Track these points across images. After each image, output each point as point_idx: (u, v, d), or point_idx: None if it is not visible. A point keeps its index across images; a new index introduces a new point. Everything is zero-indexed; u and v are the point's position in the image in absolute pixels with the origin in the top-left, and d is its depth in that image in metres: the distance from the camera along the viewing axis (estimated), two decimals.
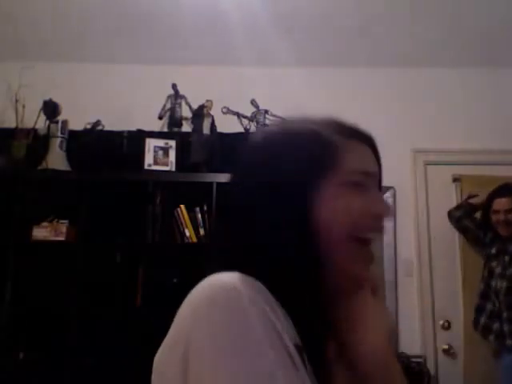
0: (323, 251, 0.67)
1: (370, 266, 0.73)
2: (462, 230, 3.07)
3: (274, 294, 0.61)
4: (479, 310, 2.81)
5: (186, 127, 3.26)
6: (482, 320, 2.78)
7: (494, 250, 2.88)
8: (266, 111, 3.22)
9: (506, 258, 2.80)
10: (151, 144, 3.07)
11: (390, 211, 0.72)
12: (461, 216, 3.03)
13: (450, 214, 3.10)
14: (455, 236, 3.19)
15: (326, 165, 0.68)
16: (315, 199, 0.67)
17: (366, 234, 0.71)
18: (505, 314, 2.69)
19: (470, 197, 3.07)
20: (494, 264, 2.84)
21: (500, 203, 2.86)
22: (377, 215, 0.71)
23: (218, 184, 2.89)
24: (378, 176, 0.74)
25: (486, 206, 2.93)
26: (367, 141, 0.74)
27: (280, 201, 0.67)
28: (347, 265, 0.70)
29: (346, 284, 0.71)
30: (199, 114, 3.14)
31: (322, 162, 0.68)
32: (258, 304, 0.57)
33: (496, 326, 2.72)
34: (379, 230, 0.73)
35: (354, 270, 0.71)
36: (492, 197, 2.91)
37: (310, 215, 0.67)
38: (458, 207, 3.07)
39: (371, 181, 0.72)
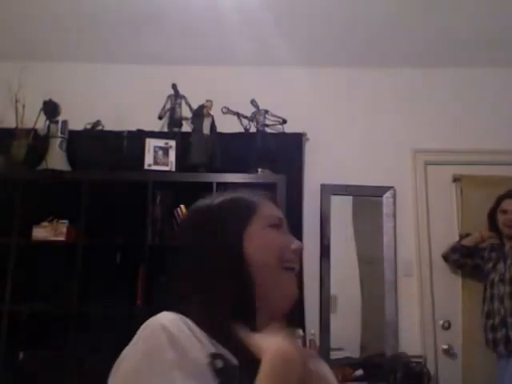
0: (257, 279, 0.86)
1: (295, 291, 0.91)
2: (461, 267, 3.10)
3: (199, 326, 0.80)
4: (486, 329, 2.80)
5: (186, 127, 3.26)
6: (491, 336, 2.78)
7: (491, 264, 2.90)
8: (266, 111, 3.22)
9: (506, 264, 2.81)
10: (151, 144, 3.08)
11: (301, 246, 0.93)
12: (458, 259, 3.06)
13: (446, 257, 3.11)
14: (455, 236, 3.19)
15: (250, 214, 0.92)
16: (246, 240, 0.88)
17: (289, 264, 0.91)
18: (510, 320, 2.69)
19: (462, 237, 3.09)
20: (492, 276, 2.86)
21: (509, 203, 2.92)
22: (294, 250, 0.92)
23: (218, 184, 2.89)
24: (285, 222, 0.95)
25: (494, 206, 2.97)
26: (271, 199, 0.98)
27: (220, 247, 0.89)
28: (279, 287, 0.89)
29: (271, 311, 0.88)
30: (199, 114, 3.14)
31: (247, 213, 0.92)
32: (175, 338, 0.74)
33: (501, 334, 2.72)
34: (296, 261, 0.93)
35: (284, 291, 0.89)
36: (501, 198, 2.96)
37: (243, 253, 0.87)
38: (453, 250, 3.07)
39: (282, 224, 0.94)
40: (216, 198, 0.96)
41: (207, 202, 0.96)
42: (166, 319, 0.78)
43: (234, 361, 0.77)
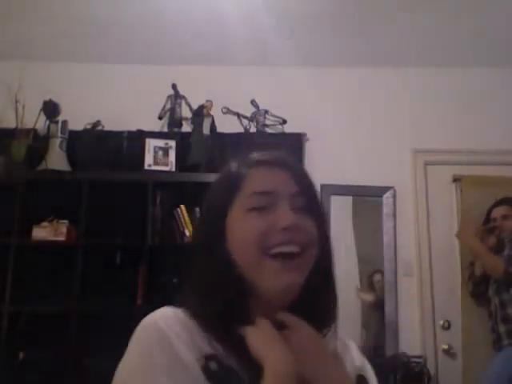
0: (241, 269, 0.78)
1: (291, 277, 0.78)
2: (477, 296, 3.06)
3: (196, 319, 0.76)
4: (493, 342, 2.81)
5: (186, 127, 3.26)
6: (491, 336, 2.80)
7: (492, 283, 2.89)
8: (266, 111, 3.22)
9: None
10: (151, 144, 3.07)
11: (294, 223, 0.78)
12: (472, 290, 3.04)
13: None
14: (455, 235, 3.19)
15: (231, 194, 0.81)
16: (228, 224, 0.80)
17: (278, 249, 0.77)
18: (499, 315, 2.73)
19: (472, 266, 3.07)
20: (490, 293, 2.87)
21: (496, 211, 2.99)
22: (281, 229, 0.78)
23: None
24: (284, 189, 0.81)
25: (487, 217, 3.03)
26: (272, 164, 0.86)
27: (203, 230, 0.84)
28: (262, 279, 0.78)
29: (267, 303, 0.79)
30: (199, 114, 3.14)
31: (229, 191, 0.81)
32: (165, 335, 0.72)
33: (493, 335, 2.76)
34: (290, 242, 0.78)
35: (268, 284, 0.78)
36: (491, 207, 3.03)
37: (224, 239, 0.80)
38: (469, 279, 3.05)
39: (278, 199, 0.80)
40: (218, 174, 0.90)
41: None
42: (160, 316, 0.76)
43: (230, 360, 0.74)
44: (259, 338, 0.74)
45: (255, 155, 0.88)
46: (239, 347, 0.74)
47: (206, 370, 0.71)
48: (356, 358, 0.90)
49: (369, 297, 3.19)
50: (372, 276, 3.22)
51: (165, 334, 0.72)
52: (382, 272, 3.21)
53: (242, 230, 0.79)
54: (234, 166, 0.86)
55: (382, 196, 3.29)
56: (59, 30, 3.16)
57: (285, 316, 0.79)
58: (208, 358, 0.72)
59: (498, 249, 2.85)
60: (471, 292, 3.05)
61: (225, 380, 0.72)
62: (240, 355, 0.73)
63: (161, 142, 3.09)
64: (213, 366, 0.72)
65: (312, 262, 0.80)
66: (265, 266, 0.77)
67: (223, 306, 0.77)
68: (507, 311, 2.71)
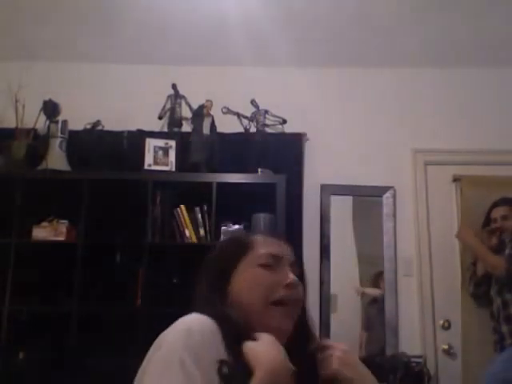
0: (246, 313, 0.95)
1: (287, 323, 0.98)
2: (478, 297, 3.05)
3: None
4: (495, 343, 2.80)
5: (186, 127, 3.26)
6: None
7: (494, 284, 2.89)
8: (266, 111, 3.22)
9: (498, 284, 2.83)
10: (151, 144, 3.07)
11: (296, 282, 1.00)
12: (473, 291, 3.04)
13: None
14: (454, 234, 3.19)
15: (241, 253, 1.02)
16: (235, 277, 1.00)
17: (279, 299, 0.98)
18: (501, 315, 2.72)
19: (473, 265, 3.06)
20: (492, 293, 2.86)
21: (496, 211, 2.98)
22: (285, 285, 0.99)
23: (218, 184, 2.89)
24: (287, 256, 1.04)
25: (487, 217, 3.02)
26: (274, 236, 1.08)
27: (212, 277, 1.03)
28: (264, 322, 0.96)
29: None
30: (199, 114, 3.14)
31: (238, 253, 1.03)
32: (196, 340, 0.84)
33: (496, 336, 2.75)
34: (292, 295, 0.99)
35: (270, 326, 0.95)
36: (491, 208, 3.02)
37: (231, 288, 0.99)
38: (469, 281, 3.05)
39: (279, 261, 1.02)
40: (221, 241, 1.09)
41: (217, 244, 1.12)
42: (193, 322, 0.88)
43: (238, 366, 0.85)
44: (257, 345, 0.88)
45: (259, 231, 1.12)
46: (241, 358, 0.87)
47: (219, 372, 0.83)
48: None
49: (375, 291, 3.20)
50: (379, 275, 3.21)
51: (194, 340, 0.84)
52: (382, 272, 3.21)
53: (254, 280, 0.99)
54: (240, 234, 1.13)
55: (382, 196, 3.29)
56: (59, 30, 3.16)
57: (323, 342, 1.03)
58: (222, 362, 0.84)
59: (498, 249, 2.85)
60: (472, 293, 3.04)
61: (233, 383, 0.83)
62: (243, 364, 0.86)
63: (161, 142, 3.09)
64: (225, 369, 0.83)
65: (298, 315, 1.02)
66: (270, 311, 0.96)
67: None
68: (510, 311, 2.70)
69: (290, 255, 1.05)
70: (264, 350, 0.87)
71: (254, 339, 0.90)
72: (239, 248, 1.03)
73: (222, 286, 0.99)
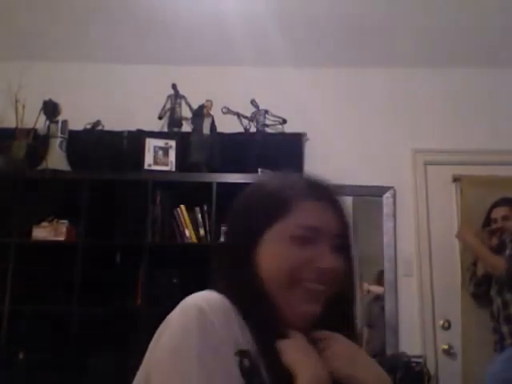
0: (268, 290, 0.81)
1: (312, 308, 0.82)
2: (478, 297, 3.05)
3: (238, 308, 0.78)
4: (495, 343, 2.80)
5: (186, 127, 3.26)
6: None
7: (494, 284, 2.89)
8: (266, 111, 3.22)
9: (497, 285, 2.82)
10: (151, 144, 3.07)
11: (331, 264, 0.81)
12: (473, 291, 3.03)
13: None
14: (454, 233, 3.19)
15: (273, 217, 0.82)
16: (261, 246, 0.82)
17: (308, 285, 0.81)
18: (502, 315, 2.72)
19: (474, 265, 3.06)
20: (492, 293, 2.86)
21: (497, 212, 2.98)
22: (320, 269, 0.81)
23: (218, 184, 2.89)
24: (330, 228, 0.84)
25: (487, 218, 3.01)
26: (321, 198, 0.86)
27: (235, 246, 0.86)
28: (288, 304, 0.81)
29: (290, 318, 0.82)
30: (199, 113, 3.14)
31: (270, 214, 0.82)
32: (208, 321, 0.73)
33: (496, 336, 2.75)
34: (323, 282, 0.82)
35: (293, 310, 0.81)
36: (491, 208, 3.02)
37: (254, 258, 0.82)
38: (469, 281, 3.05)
39: (321, 236, 0.82)
40: (256, 185, 0.90)
41: (250, 187, 0.90)
42: (205, 301, 0.76)
43: (258, 360, 0.76)
44: (294, 347, 0.78)
45: (304, 182, 0.88)
46: (269, 352, 0.77)
47: (240, 365, 0.73)
48: None
49: (380, 289, 3.20)
50: (382, 273, 3.22)
51: (206, 319, 0.74)
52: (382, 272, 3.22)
53: (280, 255, 0.81)
54: (279, 187, 0.86)
55: (382, 196, 3.29)
56: (59, 30, 3.16)
57: (320, 334, 0.83)
58: (242, 354, 0.74)
59: (499, 249, 2.85)
60: (472, 293, 3.04)
61: (253, 378, 0.74)
62: (269, 360, 0.77)
63: (161, 142, 3.09)
64: (246, 362, 0.74)
65: (330, 295, 0.84)
66: (296, 292, 0.80)
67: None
68: (510, 311, 2.70)
69: (333, 224, 0.85)
70: (306, 358, 0.76)
71: (284, 335, 0.79)
72: (273, 211, 0.83)
73: (247, 256, 0.83)
